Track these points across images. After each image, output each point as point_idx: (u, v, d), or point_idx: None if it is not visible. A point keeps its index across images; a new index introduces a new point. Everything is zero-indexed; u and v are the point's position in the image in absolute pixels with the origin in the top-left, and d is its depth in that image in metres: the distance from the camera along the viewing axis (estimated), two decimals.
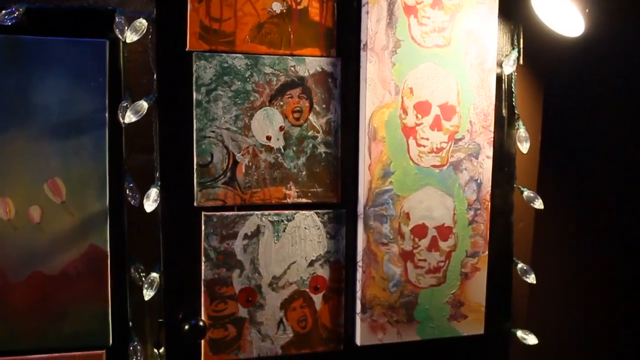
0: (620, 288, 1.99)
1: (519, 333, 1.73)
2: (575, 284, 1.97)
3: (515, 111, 1.69)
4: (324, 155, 1.55)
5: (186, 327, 1.46)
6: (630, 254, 1.94)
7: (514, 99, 1.69)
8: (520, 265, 1.72)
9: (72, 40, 1.44)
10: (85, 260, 1.46)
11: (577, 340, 2.00)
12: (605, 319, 1.99)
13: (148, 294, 1.46)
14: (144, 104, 1.43)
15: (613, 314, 1.99)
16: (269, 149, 1.51)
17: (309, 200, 1.55)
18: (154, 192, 1.44)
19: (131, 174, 1.48)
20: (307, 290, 1.57)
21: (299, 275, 1.56)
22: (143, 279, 1.49)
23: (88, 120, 1.45)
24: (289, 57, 1.51)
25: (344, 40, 1.54)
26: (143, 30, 1.43)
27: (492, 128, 1.64)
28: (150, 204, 1.43)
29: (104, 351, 1.49)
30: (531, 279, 1.71)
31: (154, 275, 1.47)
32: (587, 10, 1.47)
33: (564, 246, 1.96)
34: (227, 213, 1.50)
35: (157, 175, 1.46)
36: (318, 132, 1.54)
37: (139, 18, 1.43)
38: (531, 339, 1.72)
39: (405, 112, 1.55)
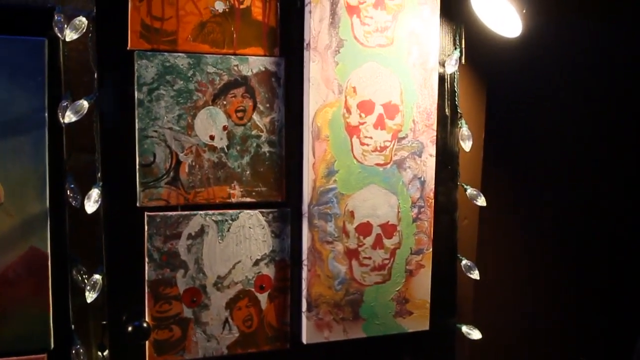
0: (563, 283, 2.05)
1: (464, 328, 1.76)
2: (519, 279, 2.02)
3: (458, 110, 1.72)
4: (268, 154, 1.55)
5: (129, 328, 1.45)
6: (573, 250, 2.00)
7: (456, 98, 1.72)
8: (464, 261, 1.75)
9: (9, 39, 1.41)
10: (25, 262, 1.44)
11: (522, 335, 2.04)
12: (549, 313, 2.04)
13: (90, 296, 1.44)
14: (84, 104, 1.41)
15: (557, 308, 2.04)
16: (213, 149, 1.51)
17: (254, 200, 1.55)
18: (95, 193, 1.42)
19: (72, 175, 1.46)
20: (253, 289, 1.57)
21: (244, 274, 1.56)
22: (85, 280, 1.47)
23: (27, 120, 1.43)
24: (232, 57, 1.51)
25: (287, 40, 1.55)
26: (83, 29, 1.41)
27: (435, 127, 1.66)
28: (91, 205, 1.42)
29: (45, 355, 1.46)
30: (475, 275, 1.75)
31: (97, 277, 1.45)
32: (524, 11, 1.51)
33: (508, 242, 2.00)
34: (170, 213, 1.49)
35: (99, 175, 1.44)
36: (262, 131, 1.54)
37: (79, 16, 1.41)
38: (475, 334, 1.75)
39: (348, 111, 1.56)
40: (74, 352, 1.47)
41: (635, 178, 2.04)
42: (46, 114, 1.44)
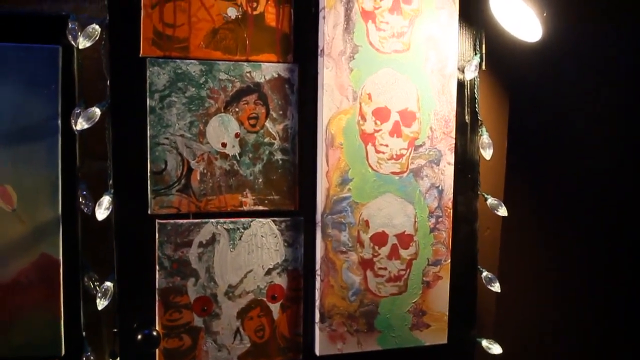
0: (589, 297, 1.97)
1: (484, 342, 1.70)
2: (543, 292, 1.95)
3: (479, 117, 1.67)
4: (280, 162, 1.53)
5: (139, 336, 1.44)
6: (597, 261, 1.92)
7: (477, 105, 1.67)
8: (485, 273, 1.70)
9: (24, 46, 1.43)
10: (36, 268, 1.44)
11: (544, 350, 1.97)
12: (573, 328, 1.96)
13: (102, 303, 1.43)
14: (96, 111, 1.41)
15: (583, 324, 1.96)
16: (225, 156, 1.49)
17: (266, 208, 1.53)
18: (106, 200, 1.42)
19: (84, 182, 1.46)
20: (265, 299, 1.55)
21: (256, 284, 1.54)
22: (97, 287, 1.47)
23: (40, 127, 1.44)
24: (245, 63, 1.49)
25: (301, 46, 1.53)
26: (96, 36, 1.41)
27: (453, 134, 1.62)
28: (102, 212, 1.41)
29: None
30: (496, 287, 1.69)
31: (108, 284, 1.44)
32: (544, 14, 1.46)
33: (532, 254, 1.94)
34: (181, 221, 1.48)
35: (110, 182, 1.44)
36: (275, 138, 1.52)
37: (92, 24, 1.41)
38: (496, 349, 1.69)
39: (363, 118, 1.53)
40: (84, 359, 1.47)
41: None
42: (59, 121, 1.44)
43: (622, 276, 1.94)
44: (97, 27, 1.41)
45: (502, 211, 1.68)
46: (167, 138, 1.45)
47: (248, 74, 1.49)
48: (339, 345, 1.57)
